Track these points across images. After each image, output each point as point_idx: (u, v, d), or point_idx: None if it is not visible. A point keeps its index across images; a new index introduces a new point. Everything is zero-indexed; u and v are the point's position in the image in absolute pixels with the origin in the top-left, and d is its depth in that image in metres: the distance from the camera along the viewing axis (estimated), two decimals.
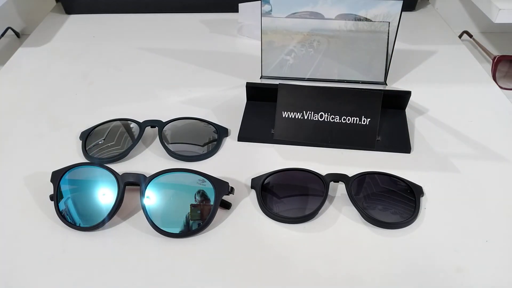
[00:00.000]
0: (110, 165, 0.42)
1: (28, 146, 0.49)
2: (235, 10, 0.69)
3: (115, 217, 0.40)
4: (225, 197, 0.40)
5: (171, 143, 0.47)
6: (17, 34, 0.83)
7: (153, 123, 0.49)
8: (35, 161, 0.47)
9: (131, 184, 0.40)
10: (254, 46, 0.63)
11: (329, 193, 0.42)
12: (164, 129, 0.48)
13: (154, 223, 0.39)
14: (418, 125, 0.51)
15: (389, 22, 0.52)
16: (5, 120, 0.53)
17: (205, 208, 0.39)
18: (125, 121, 0.50)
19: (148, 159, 0.47)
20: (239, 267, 0.36)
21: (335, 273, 0.36)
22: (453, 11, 0.81)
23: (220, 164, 0.46)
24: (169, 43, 0.68)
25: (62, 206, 0.40)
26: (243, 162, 0.46)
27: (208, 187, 0.40)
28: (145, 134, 0.48)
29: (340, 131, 0.47)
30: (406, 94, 0.50)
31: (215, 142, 0.48)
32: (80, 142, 0.48)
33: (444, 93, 0.56)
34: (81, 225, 0.39)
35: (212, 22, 0.74)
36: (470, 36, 0.79)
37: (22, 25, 0.85)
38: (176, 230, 0.38)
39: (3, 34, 0.80)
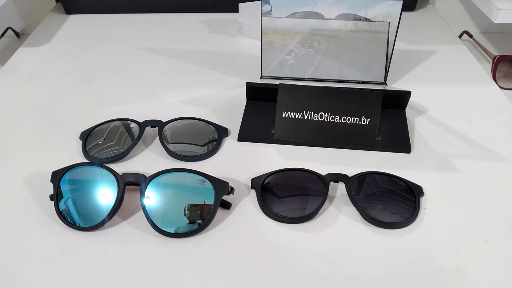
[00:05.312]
0: (110, 165, 0.42)
1: (28, 146, 0.49)
2: (235, 10, 0.69)
3: (115, 217, 0.40)
4: (225, 197, 0.40)
5: (171, 143, 0.47)
6: (17, 34, 0.83)
7: (153, 123, 0.49)
8: (35, 161, 0.47)
9: (131, 184, 0.40)
10: (254, 46, 0.63)
11: (329, 193, 0.42)
12: (164, 129, 0.48)
13: (154, 223, 0.39)
14: (418, 125, 0.51)
15: (389, 22, 0.52)
16: (5, 120, 0.53)
17: (205, 208, 0.39)
18: (125, 121, 0.50)
19: (148, 159, 0.47)
20: (239, 267, 0.36)
21: (335, 273, 0.36)
22: (453, 11, 0.81)
23: (220, 164, 0.46)
24: (169, 43, 0.68)
25: (62, 206, 0.40)
26: (243, 162, 0.46)
27: (208, 187, 0.40)
28: (145, 134, 0.48)
29: (340, 131, 0.47)
30: (406, 94, 0.50)
31: (215, 142, 0.48)
32: (80, 142, 0.48)
33: (444, 93, 0.56)
34: (81, 225, 0.39)
35: (212, 22, 0.74)
36: (470, 36, 0.79)
37: (22, 25, 0.85)
38: (176, 230, 0.38)
39: (3, 34, 0.80)
